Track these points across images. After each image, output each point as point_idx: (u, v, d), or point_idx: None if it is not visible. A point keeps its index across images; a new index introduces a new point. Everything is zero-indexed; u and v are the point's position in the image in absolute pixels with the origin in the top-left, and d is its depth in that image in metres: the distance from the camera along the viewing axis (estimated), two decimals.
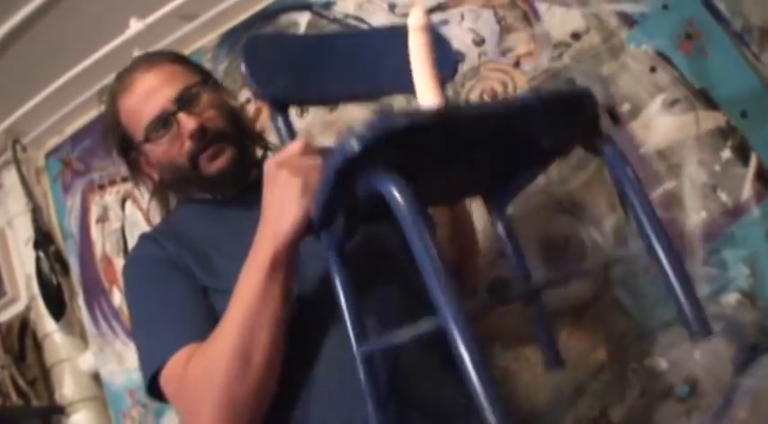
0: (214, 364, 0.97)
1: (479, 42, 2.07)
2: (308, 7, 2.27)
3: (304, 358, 1.05)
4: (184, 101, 1.21)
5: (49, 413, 2.28)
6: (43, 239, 2.40)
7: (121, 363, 2.25)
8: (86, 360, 2.33)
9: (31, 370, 2.34)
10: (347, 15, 2.23)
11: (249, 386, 0.96)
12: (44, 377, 2.36)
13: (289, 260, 0.98)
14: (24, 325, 2.40)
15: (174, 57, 1.32)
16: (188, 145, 1.20)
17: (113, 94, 1.29)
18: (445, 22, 2.12)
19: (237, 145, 1.25)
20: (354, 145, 0.72)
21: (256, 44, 1.05)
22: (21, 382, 2.25)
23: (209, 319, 1.07)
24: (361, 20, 2.21)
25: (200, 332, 1.04)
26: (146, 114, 1.21)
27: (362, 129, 0.73)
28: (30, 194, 2.49)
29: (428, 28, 0.88)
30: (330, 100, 1.07)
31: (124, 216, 2.38)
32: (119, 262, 2.34)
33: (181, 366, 1.01)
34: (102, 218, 2.41)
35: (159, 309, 1.12)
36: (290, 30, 2.28)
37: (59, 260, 2.41)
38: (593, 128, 0.91)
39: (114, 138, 1.32)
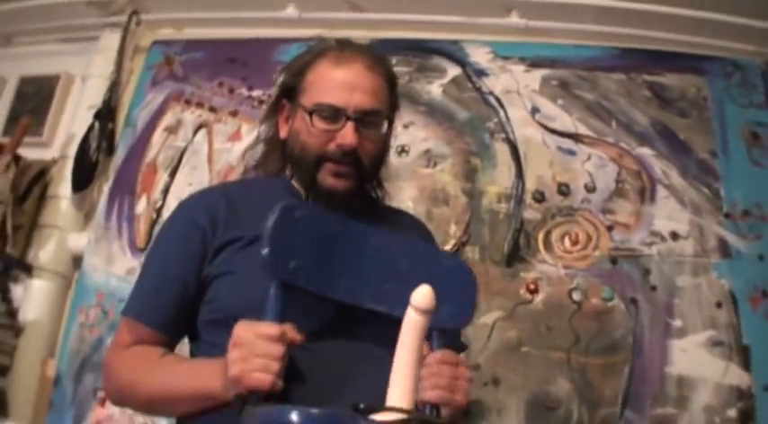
0: (132, 385, 1.17)
1: (590, 188, 2.17)
2: (463, 65, 2.37)
3: None
4: (363, 120, 1.23)
5: (16, 265, 2.31)
6: (107, 113, 2.44)
7: (109, 264, 2.30)
8: (78, 240, 2.36)
9: (22, 217, 2.36)
10: (491, 93, 2.32)
11: (142, 410, 1.33)
12: (30, 230, 2.39)
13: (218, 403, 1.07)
14: (41, 174, 2.43)
15: (392, 79, 1.33)
16: (331, 147, 1.23)
17: (324, 52, 1.29)
18: (572, 152, 2.23)
19: (362, 182, 1.29)
20: None
21: (288, 220, 1.09)
22: (9, 224, 2.27)
23: (176, 315, 1.22)
24: (501, 104, 2.30)
25: (159, 323, 1.21)
26: (330, 95, 1.23)
27: None
28: (119, 66, 2.53)
29: (431, 312, 0.94)
30: (331, 298, 1.10)
31: (192, 140, 2.43)
32: (161, 176, 2.39)
33: (127, 339, 1.21)
34: (171, 130, 2.46)
35: (154, 278, 1.25)
36: (434, 74, 2.38)
37: (110, 141, 2.45)
38: None
39: (288, 79, 1.35)
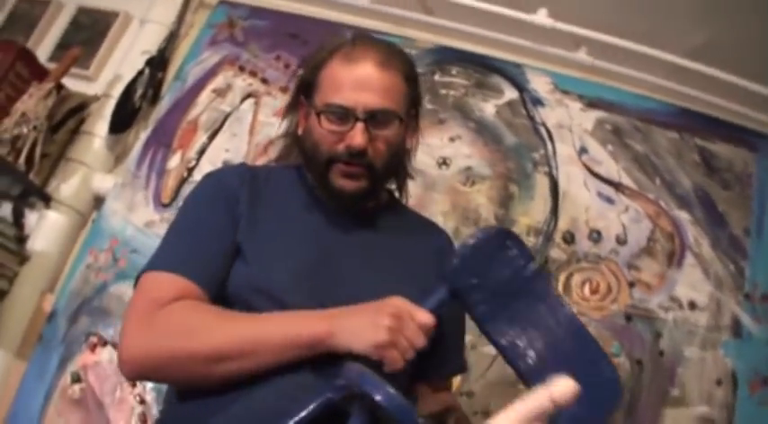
0: (195, 335, 1.05)
1: (621, 241, 2.17)
2: (521, 89, 2.35)
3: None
4: (373, 120, 1.21)
5: (35, 192, 2.29)
6: (159, 61, 2.42)
7: (130, 211, 2.28)
8: (103, 181, 2.34)
9: (51, 146, 2.34)
10: (543, 124, 2.30)
11: (188, 372, 1.06)
12: (56, 161, 2.37)
13: (313, 352, 1.04)
14: (81, 108, 2.41)
15: (408, 74, 1.29)
16: (340, 148, 1.21)
17: (337, 49, 1.27)
18: (610, 200, 2.22)
19: (375, 182, 1.27)
20: None
21: (498, 242, 1.11)
22: (37, 151, 2.25)
23: (219, 274, 1.16)
24: (550, 137, 2.30)
25: (205, 279, 1.13)
26: (339, 95, 1.21)
27: None
28: (181, 18, 2.52)
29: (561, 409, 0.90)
30: (483, 335, 1.12)
31: (238, 107, 2.41)
32: (200, 136, 2.37)
33: (168, 293, 1.10)
34: (219, 93, 2.43)
35: (194, 234, 1.20)
36: (491, 93, 2.37)
37: (156, 90, 2.43)
38: None
39: (304, 77, 1.32)
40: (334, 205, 1.27)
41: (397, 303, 1.02)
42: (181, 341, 1.05)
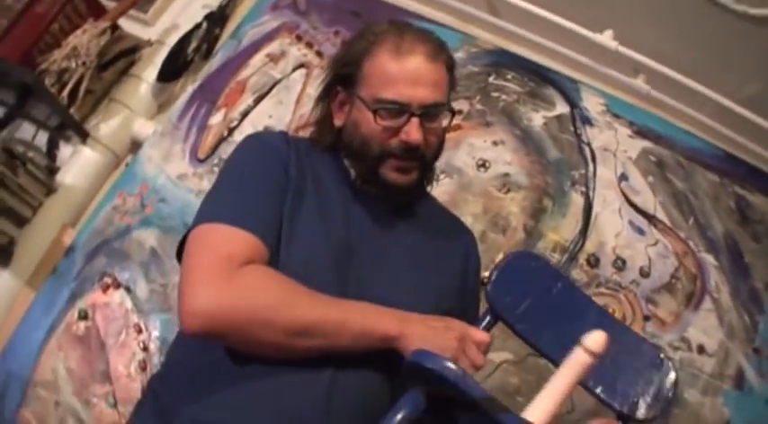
0: (286, 305, 1.04)
1: (645, 273, 2.17)
2: (573, 106, 2.35)
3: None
4: (427, 115, 1.21)
5: (74, 127, 2.31)
6: (218, 17, 2.43)
7: (165, 161, 2.30)
8: (143, 127, 2.37)
9: (97, 83, 2.36)
10: (588, 144, 2.30)
11: (265, 339, 1.04)
12: (99, 99, 2.39)
13: (381, 346, 1.08)
14: (132, 51, 2.42)
15: (450, 64, 1.28)
16: (395, 143, 1.21)
17: (381, 39, 1.24)
18: (641, 232, 2.22)
19: (423, 173, 1.28)
20: None
21: (524, 264, 1.26)
22: (82, 86, 2.26)
23: (276, 231, 1.14)
24: (593, 158, 2.29)
25: (270, 239, 1.11)
26: (392, 90, 1.19)
27: None
28: None
29: (600, 357, 0.95)
30: (530, 345, 1.23)
31: (289, 76, 2.41)
32: (246, 98, 2.38)
33: (242, 250, 1.07)
34: (273, 58, 2.44)
35: (256, 190, 1.16)
36: (543, 105, 2.36)
37: (211, 46, 2.44)
38: None
39: (343, 67, 1.28)
40: (383, 197, 1.27)
41: (457, 326, 1.09)
42: (269, 308, 1.03)
